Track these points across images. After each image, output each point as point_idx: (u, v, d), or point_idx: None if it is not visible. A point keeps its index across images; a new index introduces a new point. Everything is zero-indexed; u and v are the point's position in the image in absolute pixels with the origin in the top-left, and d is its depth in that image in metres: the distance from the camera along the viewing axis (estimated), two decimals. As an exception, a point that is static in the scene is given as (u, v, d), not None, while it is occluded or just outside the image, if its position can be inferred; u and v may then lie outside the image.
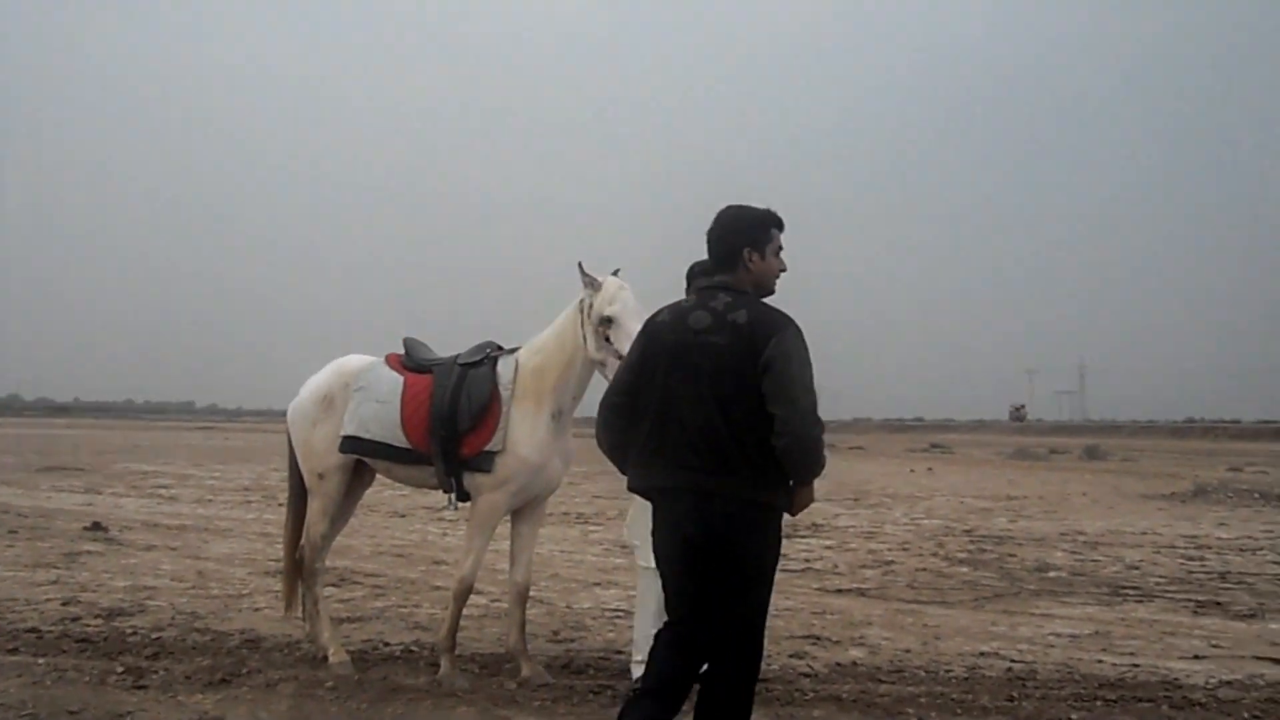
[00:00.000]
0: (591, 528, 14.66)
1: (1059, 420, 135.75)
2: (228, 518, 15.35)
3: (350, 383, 6.64)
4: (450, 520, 14.61)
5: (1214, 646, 7.61)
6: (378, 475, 7.06)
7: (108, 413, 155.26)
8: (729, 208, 4.62)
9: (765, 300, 4.54)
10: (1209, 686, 6.48)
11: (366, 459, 6.63)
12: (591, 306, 6.00)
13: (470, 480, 6.29)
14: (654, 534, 4.49)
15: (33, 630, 7.41)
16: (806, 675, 6.57)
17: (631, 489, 4.60)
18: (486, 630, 7.78)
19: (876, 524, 15.45)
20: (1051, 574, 10.87)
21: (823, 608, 8.60)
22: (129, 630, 7.50)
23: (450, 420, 6.20)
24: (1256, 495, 20.00)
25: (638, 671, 6.00)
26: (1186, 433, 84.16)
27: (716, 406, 4.21)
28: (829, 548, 12.55)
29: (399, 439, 6.37)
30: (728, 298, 4.42)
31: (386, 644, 7.27)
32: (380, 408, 6.44)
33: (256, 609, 8.41)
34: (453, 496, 6.42)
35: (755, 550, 4.26)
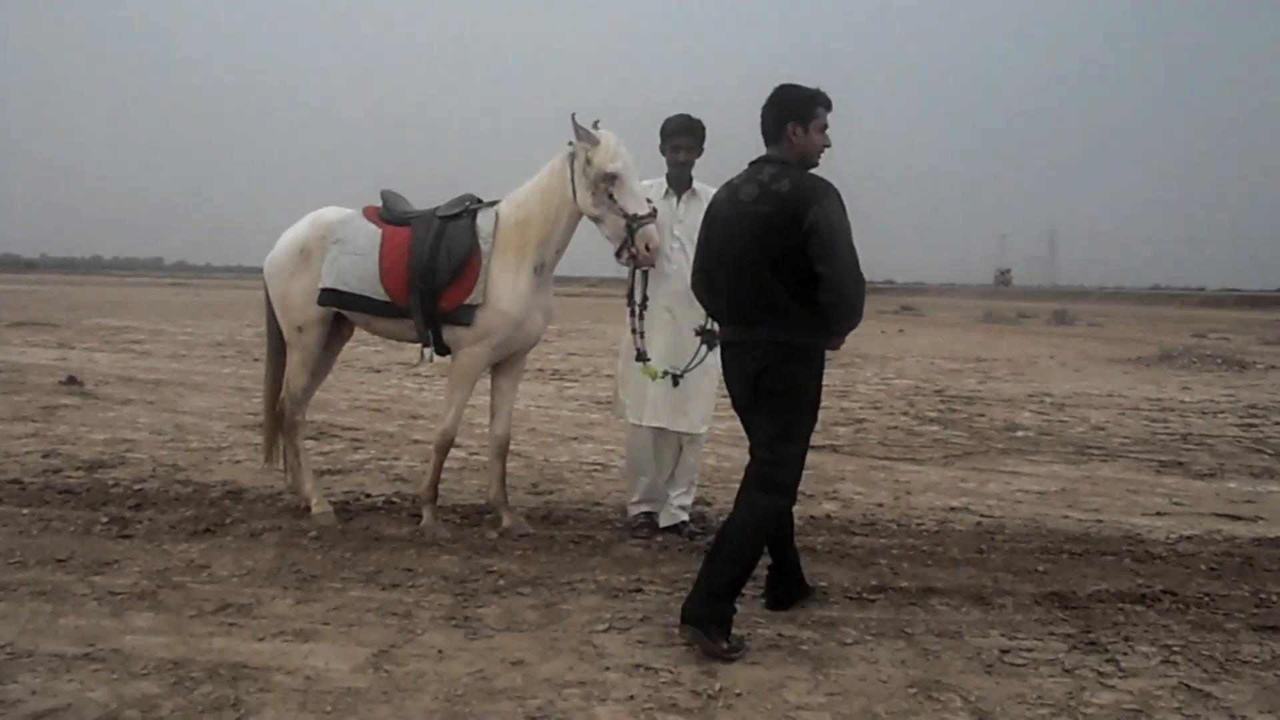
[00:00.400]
0: (567, 384, 14.77)
1: (1029, 285, 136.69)
2: (203, 372, 15.35)
3: (327, 235, 6.53)
4: (426, 375, 14.70)
5: (1175, 504, 7.83)
6: (356, 329, 7.04)
7: (75, 268, 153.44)
8: (781, 86, 4.90)
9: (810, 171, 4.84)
10: (1169, 541, 6.68)
11: (345, 311, 6.59)
12: (589, 162, 5.91)
13: (450, 334, 6.30)
14: (727, 385, 5.04)
15: (15, 481, 7.45)
16: (781, 528, 6.71)
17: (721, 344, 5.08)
18: (466, 482, 7.89)
19: (848, 383, 15.61)
20: (1019, 433, 11.08)
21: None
22: (111, 482, 7.56)
23: (429, 273, 6.17)
24: (1219, 360, 20.27)
25: (634, 511, 6.77)
26: (1152, 299, 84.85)
27: (768, 267, 4.64)
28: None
29: (377, 291, 6.33)
30: (773, 169, 4.77)
31: (368, 495, 7.37)
32: (358, 260, 6.37)
33: (237, 461, 8.48)
34: (429, 350, 6.45)
35: (801, 383, 4.76)
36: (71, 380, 13.02)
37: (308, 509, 6.70)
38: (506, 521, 6.48)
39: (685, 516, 6.67)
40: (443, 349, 6.42)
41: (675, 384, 6.09)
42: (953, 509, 7.45)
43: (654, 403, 6.45)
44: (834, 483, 8.19)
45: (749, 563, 4.74)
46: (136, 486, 7.42)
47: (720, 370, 5.22)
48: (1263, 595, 5.56)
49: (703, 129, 6.56)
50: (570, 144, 6.08)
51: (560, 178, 6.13)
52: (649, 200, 6.08)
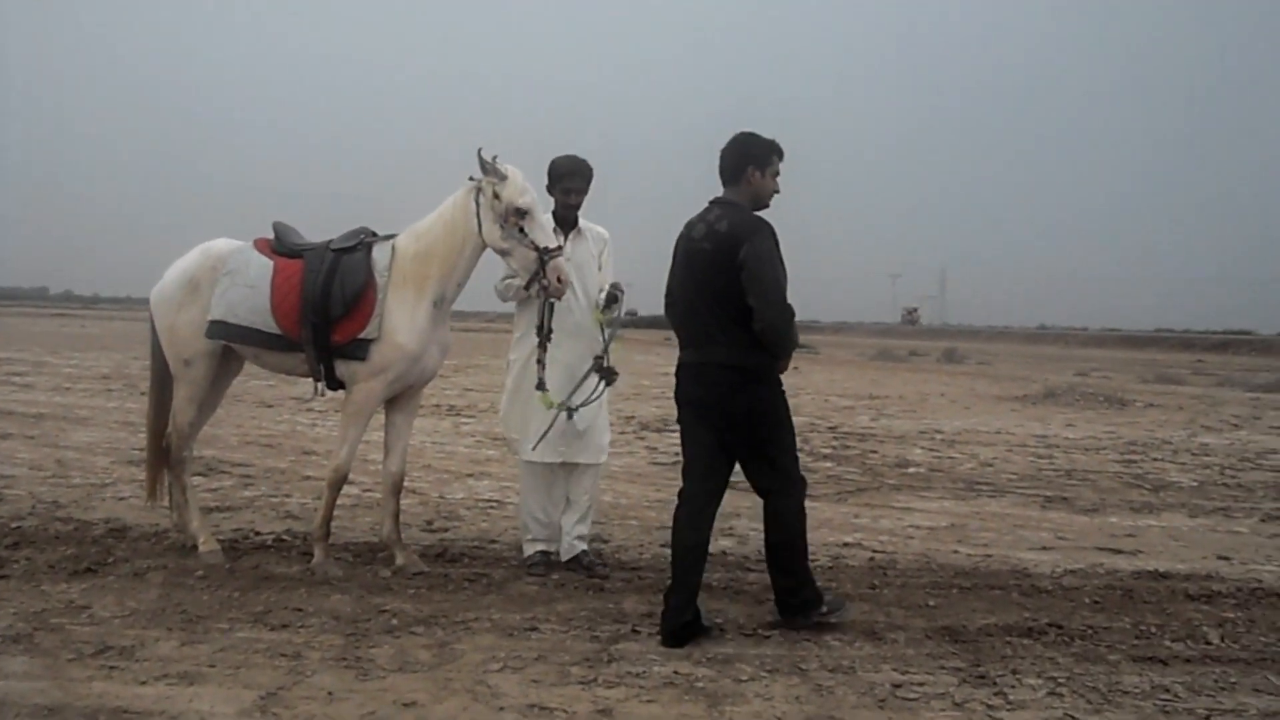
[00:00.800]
0: (463, 419, 14.66)
1: (920, 325, 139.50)
2: (87, 406, 14.90)
3: (218, 266, 6.37)
4: (319, 410, 14.45)
5: (1060, 538, 8.02)
6: (245, 363, 6.89)
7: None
8: (743, 132, 5.51)
9: (757, 213, 5.44)
10: (1055, 575, 6.84)
11: (234, 344, 6.42)
12: (497, 196, 5.97)
13: (345, 368, 6.22)
14: (681, 403, 5.57)
15: (-118, 518, 7.15)
16: (677, 564, 6.72)
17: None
18: (360, 520, 7.76)
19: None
20: (911, 470, 11.28)
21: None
22: (-14, 519, 7.29)
23: (322, 307, 6.09)
24: (1101, 399, 20.88)
25: (529, 549, 6.68)
26: (1039, 339, 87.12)
27: (711, 299, 5.29)
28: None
29: (269, 324, 6.21)
30: (719, 210, 5.42)
31: (257, 533, 7.22)
32: (249, 292, 6.23)
33: (120, 498, 8.24)
34: (321, 385, 6.36)
35: (744, 405, 5.31)
36: (-54, 414, 12.55)
37: (194, 547, 6.53)
38: (400, 559, 6.38)
39: (584, 546, 6.68)
40: (335, 384, 6.34)
41: (569, 417, 6.24)
42: (846, 544, 7.54)
43: (548, 439, 6.39)
44: (730, 519, 8.20)
45: (805, 543, 5.52)
46: (14, 524, 7.16)
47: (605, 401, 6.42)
48: (1143, 627, 5.72)
49: (591, 171, 6.63)
50: (472, 178, 6.11)
51: (465, 211, 6.13)
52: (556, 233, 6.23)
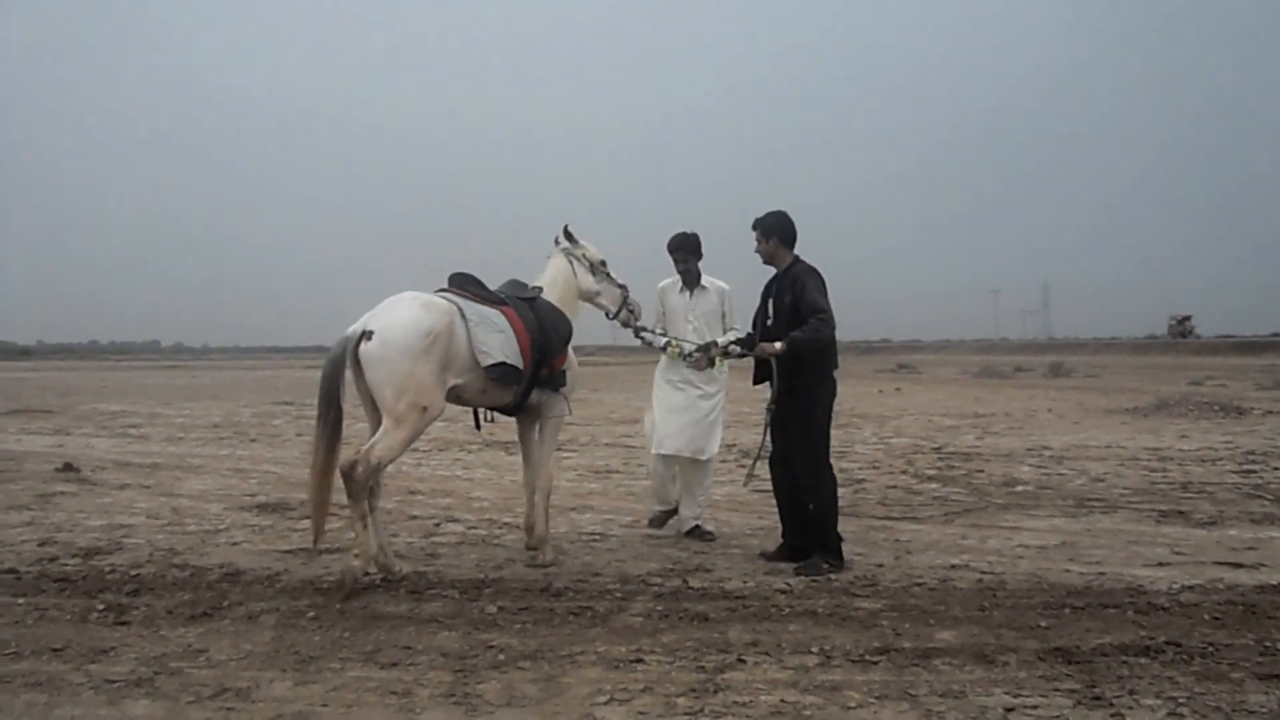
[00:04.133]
0: (564, 454, 14.74)
1: (1023, 339, 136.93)
2: (200, 455, 15.32)
3: (452, 318, 6.90)
4: (423, 451, 14.69)
5: (1176, 554, 7.79)
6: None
7: (72, 354, 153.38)
8: (784, 213, 7.78)
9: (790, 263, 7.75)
10: (1172, 591, 6.64)
11: (477, 383, 7.09)
12: (585, 255, 8.21)
13: (547, 395, 7.60)
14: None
15: (10, 571, 7.42)
16: (782, 591, 6.69)
17: None
18: (464, 557, 7.85)
19: (847, 444, 15.60)
20: (1019, 488, 11.06)
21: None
22: (107, 568, 7.52)
23: (545, 345, 7.36)
24: (1216, 408, 20.30)
25: (654, 510, 8.94)
26: (1148, 349, 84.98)
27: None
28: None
29: (520, 362, 7.18)
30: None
31: (366, 573, 7.32)
32: (504, 337, 7.13)
33: (234, 543, 8.45)
34: (493, 415, 7.73)
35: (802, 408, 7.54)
36: (68, 467, 13.01)
37: (362, 562, 6.81)
38: (548, 556, 7.63)
39: (697, 522, 8.60)
40: (514, 412, 7.57)
41: (688, 360, 8.42)
42: (954, 567, 7.41)
43: (671, 435, 8.49)
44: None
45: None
46: (133, 572, 7.39)
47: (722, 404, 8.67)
48: (1267, 643, 5.52)
49: (694, 242, 8.66)
50: (557, 242, 8.25)
51: (565, 272, 8.01)
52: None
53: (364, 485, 6.76)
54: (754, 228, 7.80)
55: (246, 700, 4.85)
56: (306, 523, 7.79)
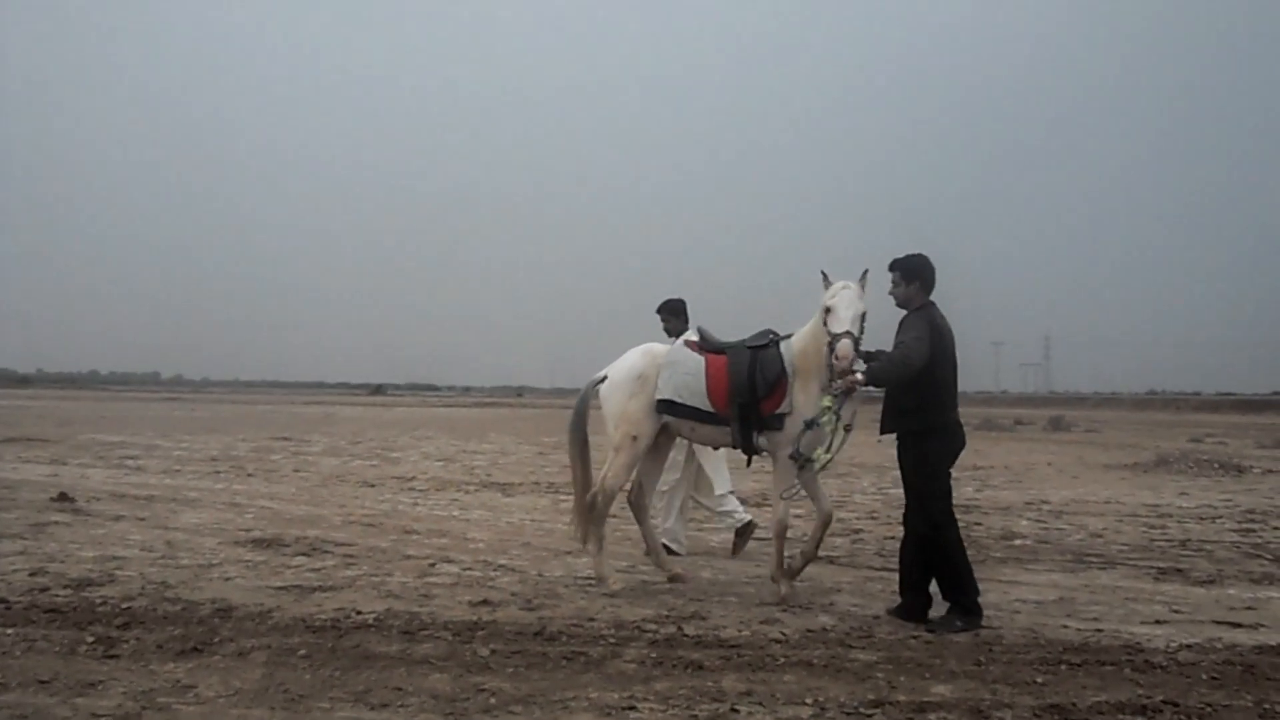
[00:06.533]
0: (562, 497, 14.68)
1: (1024, 392, 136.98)
2: (196, 488, 15.28)
3: (659, 362, 8.24)
4: (420, 491, 14.65)
5: (1174, 612, 7.74)
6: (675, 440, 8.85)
7: (72, 383, 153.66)
8: (926, 257, 7.59)
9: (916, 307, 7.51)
10: (1170, 650, 6.59)
11: (675, 418, 8.17)
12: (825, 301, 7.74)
13: (765, 437, 7.87)
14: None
15: (0, 601, 7.38)
16: (778, 641, 6.63)
17: None
18: (458, 598, 7.79)
19: (845, 493, 15.56)
20: (1017, 542, 11.01)
21: (790, 570, 8.69)
22: (98, 600, 7.48)
23: (749, 389, 7.78)
24: (1216, 465, 20.25)
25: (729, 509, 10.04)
26: (1148, 404, 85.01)
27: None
28: (799, 516, 12.61)
29: (704, 404, 7.97)
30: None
31: (359, 612, 7.28)
32: (689, 379, 8.04)
33: (227, 578, 8.40)
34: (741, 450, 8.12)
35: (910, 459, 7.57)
36: (63, 496, 12.99)
37: (603, 582, 8.19)
38: (783, 590, 7.83)
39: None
40: (749, 449, 8.00)
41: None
42: (950, 620, 7.35)
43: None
44: (830, 594, 8.11)
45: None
46: (124, 605, 7.35)
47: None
48: (1266, 705, 5.47)
49: (679, 306, 10.14)
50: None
51: (816, 317, 7.74)
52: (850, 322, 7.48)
53: (603, 511, 8.40)
54: (893, 269, 7.57)
55: (234, 738, 4.80)
56: (300, 559, 7.87)
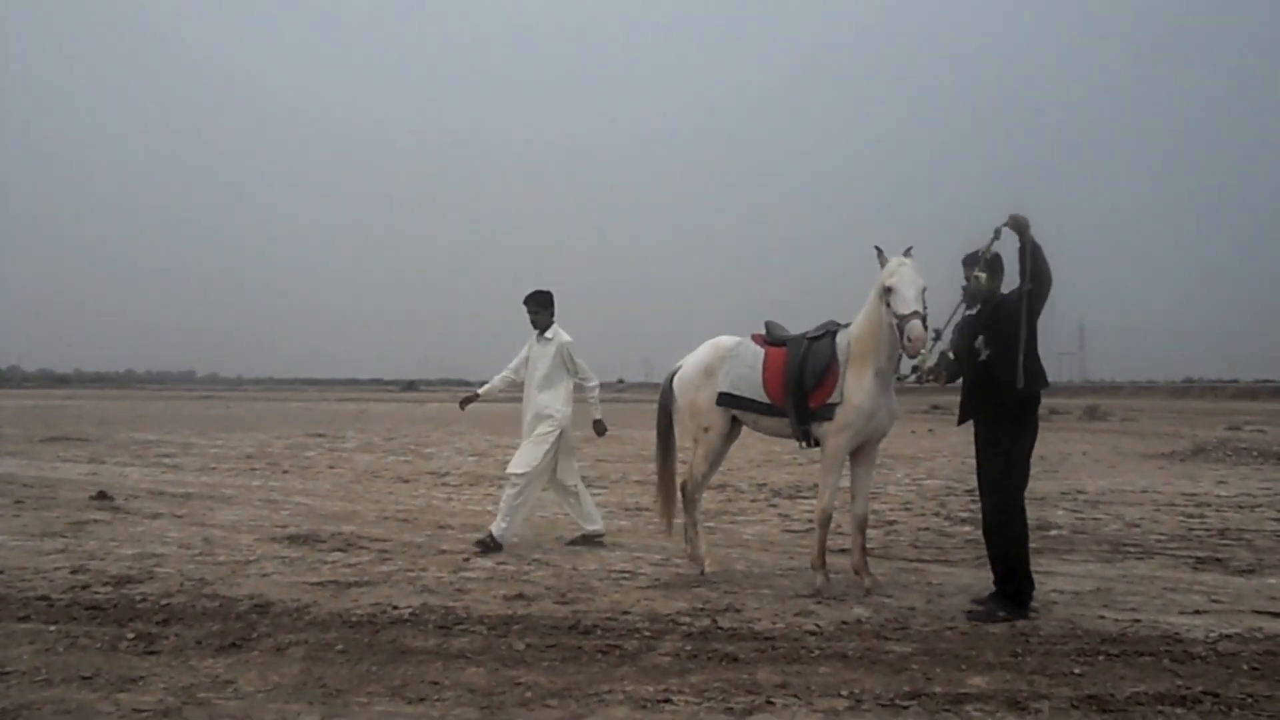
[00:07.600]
0: (596, 490, 14.69)
1: (1059, 381, 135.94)
2: (232, 485, 15.42)
3: (724, 355, 8.44)
4: (454, 486, 14.70)
5: (1213, 601, 7.66)
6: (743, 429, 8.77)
7: (109, 383, 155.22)
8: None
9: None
10: (1209, 640, 6.53)
11: (736, 411, 8.38)
12: (881, 282, 7.46)
13: (818, 427, 7.87)
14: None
15: (43, 598, 7.48)
16: (812, 633, 6.62)
17: None
18: (493, 592, 7.82)
19: (879, 485, 15.48)
20: (1053, 532, 10.92)
21: (829, 567, 8.65)
22: (138, 597, 7.57)
23: (799, 381, 7.88)
24: (1254, 453, 20.07)
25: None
26: (1185, 392, 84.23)
27: None
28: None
29: (762, 396, 8.16)
30: None
31: (395, 607, 7.32)
32: (748, 372, 8.24)
33: (264, 574, 8.47)
34: (802, 444, 8.12)
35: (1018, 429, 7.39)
36: (102, 495, 13.13)
37: (702, 570, 8.42)
38: (867, 583, 7.85)
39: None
40: (809, 441, 8.01)
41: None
42: (986, 611, 7.31)
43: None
44: (863, 586, 8.08)
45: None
46: (164, 601, 7.42)
47: None
48: (1308, 696, 5.41)
49: (545, 298, 10.35)
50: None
51: (875, 299, 7.62)
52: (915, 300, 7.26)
53: (693, 498, 8.73)
54: (969, 264, 7.38)
55: (273, 733, 4.84)
56: (336, 555, 8.00)
